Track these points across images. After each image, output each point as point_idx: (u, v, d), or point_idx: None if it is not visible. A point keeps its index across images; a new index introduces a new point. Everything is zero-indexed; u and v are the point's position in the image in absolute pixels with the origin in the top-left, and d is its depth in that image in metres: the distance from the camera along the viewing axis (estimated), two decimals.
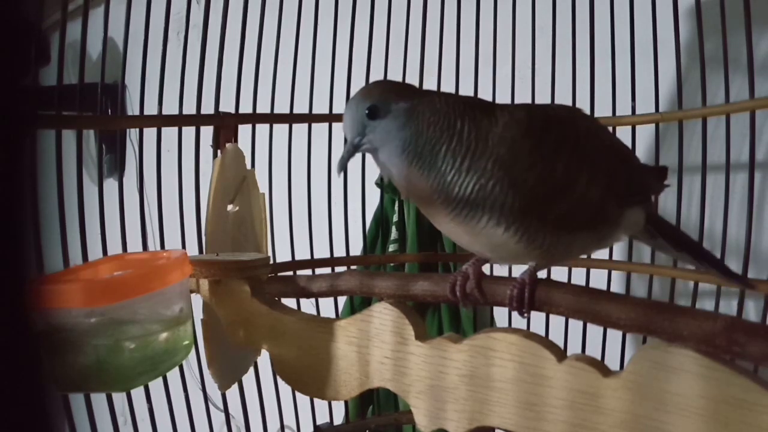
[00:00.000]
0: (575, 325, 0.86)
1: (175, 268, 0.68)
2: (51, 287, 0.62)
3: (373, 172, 1.01)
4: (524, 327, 0.59)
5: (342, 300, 1.09)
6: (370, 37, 1.04)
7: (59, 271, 0.75)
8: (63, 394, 0.68)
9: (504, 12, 1.04)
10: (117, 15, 0.88)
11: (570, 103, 0.96)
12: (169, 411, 0.92)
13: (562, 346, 0.57)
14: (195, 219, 0.93)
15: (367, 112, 0.57)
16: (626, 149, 0.67)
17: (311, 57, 1.02)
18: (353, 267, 1.04)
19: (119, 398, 0.83)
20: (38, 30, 0.78)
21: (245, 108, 0.98)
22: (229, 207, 0.89)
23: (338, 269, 1.00)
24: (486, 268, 0.61)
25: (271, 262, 0.83)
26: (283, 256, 0.99)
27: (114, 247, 0.84)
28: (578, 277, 0.97)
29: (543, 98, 0.99)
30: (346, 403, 1.07)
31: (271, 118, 1.00)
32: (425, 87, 0.87)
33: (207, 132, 0.93)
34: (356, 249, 1.09)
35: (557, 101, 0.99)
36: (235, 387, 0.84)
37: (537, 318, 0.64)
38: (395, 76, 0.98)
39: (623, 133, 0.94)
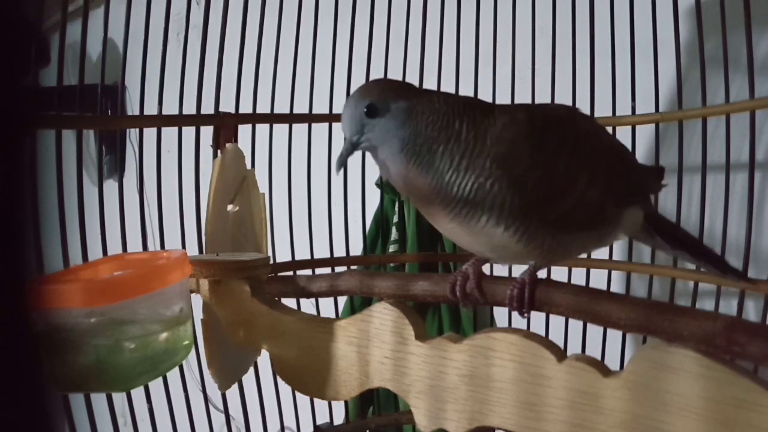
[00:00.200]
0: (575, 325, 0.86)
1: (175, 268, 0.68)
2: (51, 287, 0.62)
3: (373, 172, 1.01)
4: (524, 327, 0.59)
5: (342, 300, 1.09)
6: (370, 37, 1.04)
7: (59, 271, 0.75)
8: (63, 394, 0.68)
9: (504, 12, 1.04)
10: (117, 16, 0.88)
11: (570, 103, 0.96)
12: (169, 411, 0.92)
13: (562, 346, 0.57)
14: (195, 219, 0.93)
15: (365, 110, 0.57)
16: (624, 149, 0.67)
17: (311, 57, 1.02)
18: (353, 267, 1.04)
19: (119, 398, 0.83)
20: (38, 31, 0.78)
21: (245, 108, 0.98)
22: (229, 207, 0.89)
23: (338, 269, 1.00)
24: (486, 268, 0.61)
25: (271, 262, 0.83)
26: (283, 256, 0.99)
27: (114, 247, 0.84)
28: (578, 277, 0.97)
29: (543, 98, 0.99)
30: (346, 403, 1.07)
31: (271, 118, 1.00)
32: (425, 87, 0.87)
33: (207, 132, 0.93)
34: (356, 249, 1.09)
35: (557, 101, 0.99)
36: (235, 387, 0.84)
37: (537, 318, 0.64)
38: (395, 76, 0.97)
39: (623, 133, 0.94)
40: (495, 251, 0.58)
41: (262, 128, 0.99)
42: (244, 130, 0.95)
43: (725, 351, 0.45)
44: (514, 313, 0.57)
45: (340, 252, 1.05)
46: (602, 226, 0.60)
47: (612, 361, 0.57)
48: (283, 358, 0.70)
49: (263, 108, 0.99)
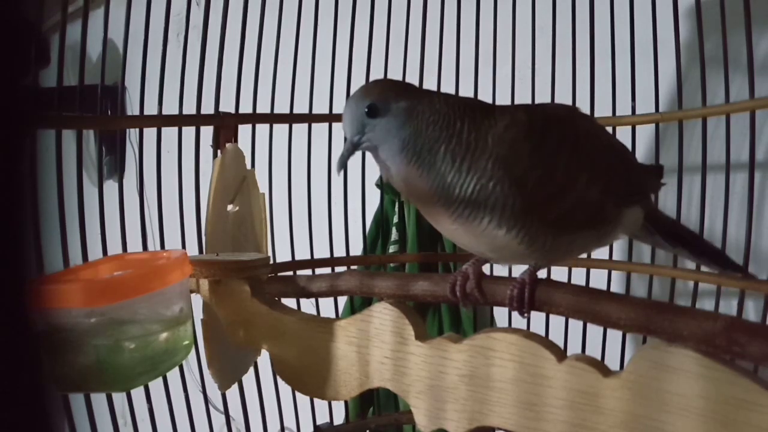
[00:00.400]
0: (575, 325, 0.86)
1: (175, 268, 0.68)
2: (51, 287, 0.62)
3: (373, 172, 1.01)
4: (524, 327, 0.59)
5: (342, 300, 1.09)
6: (370, 37, 1.04)
7: (59, 271, 0.75)
8: (63, 394, 0.68)
9: (504, 12, 1.04)
10: (117, 16, 0.88)
11: (570, 103, 0.96)
12: (169, 411, 0.92)
13: (562, 346, 0.57)
14: (195, 219, 0.93)
15: (366, 110, 0.57)
16: (624, 149, 0.67)
17: (311, 57, 1.02)
18: (353, 267, 1.04)
19: (119, 398, 0.83)
20: (38, 31, 0.78)
21: (245, 108, 0.98)
22: (229, 207, 0.89)
23: (338, 269, 1.00)
24: (486, 268, 0.61)
25: (271, 262, 0.83)
26: (283, 256, 0.99)
27: (114, 247, 0.84)
28: (578, 277, 0.97)
29: (543, 98, 0.99)
30: (346, 403, 1.07)
31: (271, 118, 1.00)
32: (425, 87, 0.87)
33: (207, 132, 0.93)
34: (356, 249, 1.09)
35: (557, 101, 0.99)
36: (235, 387, 0.84)
37: (537, 318, 0.64)
38: (395, 76, 0.97)
39: (623, 133, 0.94)
40: (496, 252, 0.58)
41: (262, 128, 0.99)
42: (244, 130, 0.95)
43: (725, 351, 0.45)
44: (514, 313, 0.57)
45: (340, 252, 1.05)
46: (602, 226, 0.60)
47: (612, 361, 0.58)
48: (283, 358, 0.70)
49: (263, 108, 0.99)
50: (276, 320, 0.70)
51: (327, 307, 1.03)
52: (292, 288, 0.73)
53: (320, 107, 1.03)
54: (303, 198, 1.02)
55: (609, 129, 0.94)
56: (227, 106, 0.96)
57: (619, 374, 0.49)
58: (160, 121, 0.90)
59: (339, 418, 1.09)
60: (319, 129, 1.03)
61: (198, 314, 0.76)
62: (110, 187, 0.91)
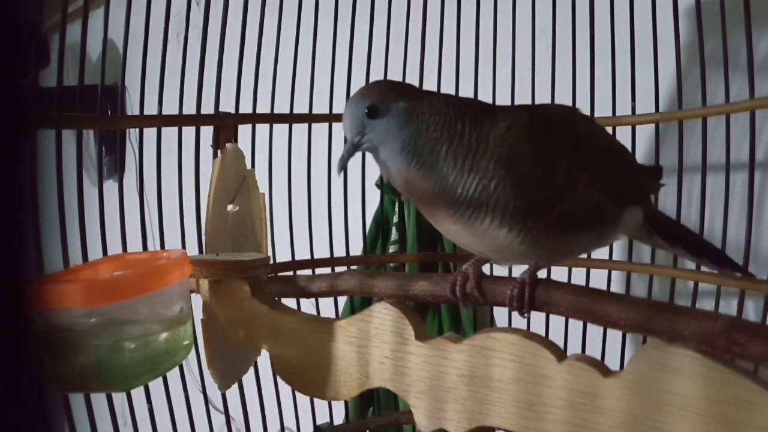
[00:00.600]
0: (575, 325, 0.86)
1: (175, 268, 0.68)
2: (51, 287, 0.62)
3: (373, 172, 1.01)
4: (524, 327, 0.59)
5: (342, 300, 1.09)
6: (370, 37, 1.04)
7: (59, 271, 0.75)
8: (63, 394, 0.68)
9: (504, 12, 1.04)
10: (117, 16, 0.88)
11: (570, 103, 0.96)
12: (169, 411, 0.92)
13: (562, 346, 0.57)
14: (195, 219, 0.93)
15: (366, 111, 0.57)
16: (624, 149, 0.67)
17: (311, 57, 1.02)
18: (353, 267, 1.04)
19: (119, 398, 0.83)
20: (38, 31, 0.78)
21: (245, 108, 0.98)
22: (229, 207, 0.89)
23: (338, 269, 1.00)
24: (486, 268, 0.61)
25: (271, 262, 0.83)
26: (283, 256, 0.99)
27: (114, 247, 0.84)
28: (578, 277, 0.97)
29: (543, 98, 0.99)
30: (346, 403, 1.07)
31: (271, 118, 1.00)
32: (425, 87, 0.87)
33: (207, 132, 0.93)
34: (356, 249, 1.09)
35: (557, 101, 0.99)
36: (235, 387, 0.84)
37: (537, 318, 0.64)
38: (395, 76, 0.98)
39: (623, 133, 0.94)
40: (498, 252, 0.58)
41: (262, 128, 0.99)
42: (244, 130, 0.95)
43: (725, 351, 0.45)
44: (514, 313, 0.57)
45: (340, 252, 1.05)
46: (602, 227, 0.60)
47: (612, 361, 0.58)
48: (283, 358, 0.70)
49: (263, 108, 0.99)
50: (276, 320, 0.70)
51: (327, 307, 1.03)
52: (292, 288, 0.73)
53: (320, 107, 1.03)
54: (303, 198, 1.02)
55: (609, 129, 0.94)
56: (227, 106, 0.96)
57: (619, 374, 0.49)
58: (160, 121, 0.90)
59: (339, 418, 1.09)
60: (319, 129, 1.03)
61: (198, 314, 0.76)
62: (110, 187, 0.91)
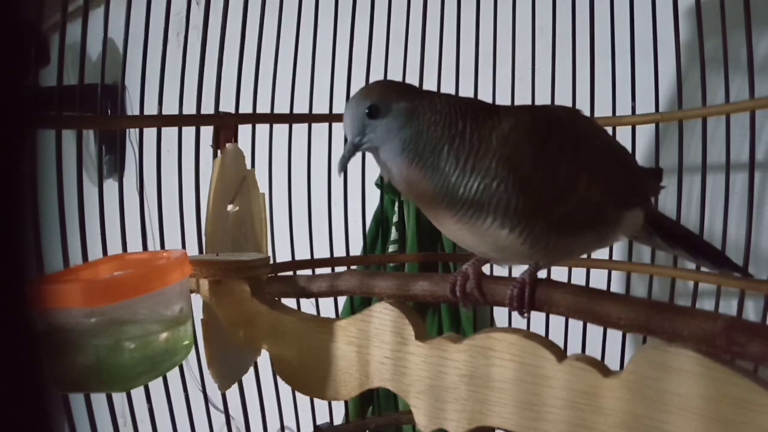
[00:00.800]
0: (575, 325, 0.86)
1: (175, 268, 0.68)
2: (51, 287, 0.62)
3: (373, 172, 1.01)
4: (524, 327, 0.59)
5: (342, 300, 1.09)
6: (370, 37, 1.04)
7: (59, 271, 0.75)
8: (63, 394, 0.68)
9: (504, 12, 1.04)
10: (117, 16, 0.88)
11: (570, 103, 0.96)
12: (169, 411, 0.92)
13: (562, 346, 0.57)
14: (195, 219, 0.93)
15: (367, 111, 0.57)
16: (624, 151, 0.67)
17: (311, 57, 1.02)
18: (353, 267, 1.04)
19: (119, 398, 0.83)
20: (38, 31, 0.78)
21: (245, 108, 0.98)
22: (229, 207, 0.89)
23: (338, 269, 1.00)
24: (486, 268, 0.61)
25: (271, 262, 0.83)
26: (283, 256, 0.99)
27: (114, 247, 0.84)
28: (578, 277, 0.97)
29: (543, 98, 0.99)
30: (346, 403, 1.07)
31: (271, 118, 1.00)
32: (425, 87, 0.87)
33: (207, 132, 0.93)
34: (356, 249, 1.09)
35: (557, 101, 0.99)
36: (235, 387, 0.84)
37: (537, 318, 0.64)
38: (395, 76, 0.98)
39: (623, 133, 0.94)
40: (499, 252, 0.58)
41: (262, 128, 0.99)
42: (244, 130, 0.95)
43: (725, 351, 0.45)
44: (514, 313, 0.57)
45: (340, 252, 1.05)
46: (603, 227, 0.60)
47: (612, 361, 0.57)
48: (283, 358, 0.70)
49: (263, 108, 0.99)
50: (276, 320, 0.70)
51: (327, 307, 1.03)
52: (292, 288, 0.73)
53: (320, 107, 1.03)
54: (303, 198, 1.02)
55: (609, 129, 0.94)
56: (227, 106, 0.96)
57: (619, 374, 0.49)
58: (160, 121, 0.90)
59: (339, 418, 1.09)
60: (319, 129, 1.03)
61: (198, 314, 0.76)
62: (110, 186, 0.91)
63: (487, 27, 1.04)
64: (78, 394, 0.77)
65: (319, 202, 1.03)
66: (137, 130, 0.92)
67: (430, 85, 1.00)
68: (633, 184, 0.64)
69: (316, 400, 0.95)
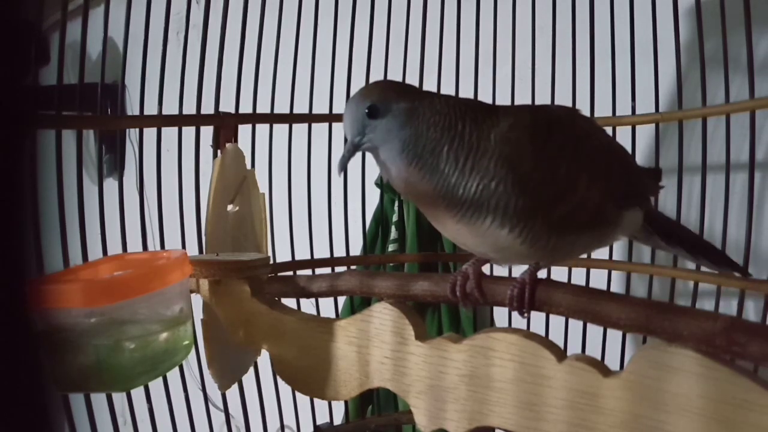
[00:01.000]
0: (575, 325, 0.86)
1: (175, 268, 0.68)
2: (51, 287, 0.62)
3: (373, 172, 1.01)
4: (524, 327, 0.59)
5: (342, 300, 1.09)
6: (370, 37, 1.04)
7: (59, 271, 0.75)
8: (63, 394, 0.68)
9: (504, 12, 1.04)
10: (117, 15, 0.88)
11: (570, 103, 0.96)
12: (169, 411, 0.92)
13: (562, 346, 0.57)
14: (195, 219, 0.93)
15: (367, 111, 0.57)
16: (623, 151, 0.67)
17: (311, 57, 1.02)
18: (353, 267, 1.04)
19: (119, 398, 0.83)
20: (38, 31, 0.78)
21: (245, 108, 0.98)
22: (229, 207, 0.89)
23: (338, 269, 1.00)
24: (486, 268, 0.61)
25: (271, 262, 0.83)
26: (283, 256, 0.99)
27: (114, 247, 0.84)
28: (578, 277, 0.97)
29: (543, 98, 0.99)
30: (346, 403, 1.07)
31: (271, 118, 1.00)
32: (425, 87, 0.87)
33: (207, 132, 0.93)
34: (356, 249, 1.09)
35: (557, 101, 0.99)
36: (235, 387, 0.84)
37: (537, 318, 0.64)
38: (395, 76, 0.98)
39: (623, 133, 0.94)
40: (499, 252, 0.58)
41: (262, 128, 0.99)
42: (244, 130, 0.95)
43: (725, 351, 0.45)
44: (514, 313, 0.57)
45: (340, 252, 1.05)
46: (603, 227, 0.60)
47: (612, 361, 0.57)
48: (283, 358, 0.70)
49: (263, 108, 0.99)
50: (276, 320, 0.70)
51: (327, 307, 1.03)
52: (292, 288, 0.73)
53: (320, 107, 1.03)
54: (303, 198, 1.02)
55: (609, 129, 0.94)
56: (227, 106, 0.96)
57: (619, 374, 0.49)
58: (160, 120, 0.90)
59: (339, 418, 1.09)
60: (319, 129, 1.03)
61: (198, 314, 0.76)
62: (110, 186, 0.91)
63: (487, 27, 1.04)
64: (78, 394, 0.77)
65: (319, 202, 1.03)
66: (137, 129, 0.92)
67: (430, 85, 1.00)
68: (633, 184, 0.64)
69: (316, 399, 0.95)
